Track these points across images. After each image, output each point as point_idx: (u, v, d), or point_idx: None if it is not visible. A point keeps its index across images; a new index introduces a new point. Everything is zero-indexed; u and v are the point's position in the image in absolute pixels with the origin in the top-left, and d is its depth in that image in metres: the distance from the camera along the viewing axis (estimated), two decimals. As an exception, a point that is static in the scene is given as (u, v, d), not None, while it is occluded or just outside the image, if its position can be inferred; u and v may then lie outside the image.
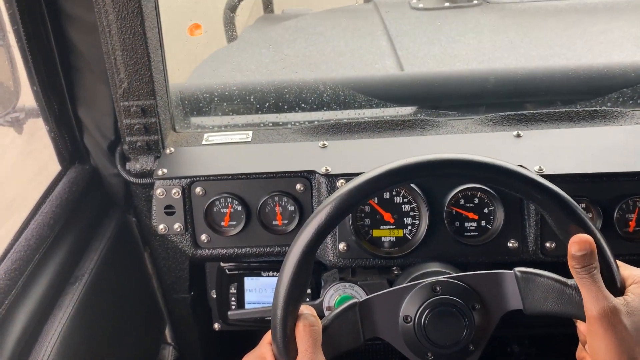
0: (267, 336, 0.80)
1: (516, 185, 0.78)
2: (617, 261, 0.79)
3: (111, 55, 1.14)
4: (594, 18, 1.83)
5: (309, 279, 0.79)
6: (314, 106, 1.46)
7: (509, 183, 0.78)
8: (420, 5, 2.02)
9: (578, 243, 0.74)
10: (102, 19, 1.11)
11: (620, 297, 0.75)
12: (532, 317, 0.82)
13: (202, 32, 1.35)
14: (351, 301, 0.83)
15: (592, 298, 0.74)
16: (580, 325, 0.84)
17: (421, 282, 0.86)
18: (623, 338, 0.72)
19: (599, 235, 0.77)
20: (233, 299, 1.30)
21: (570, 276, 0.78)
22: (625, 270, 0.79)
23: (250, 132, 1.32)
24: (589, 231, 0.76)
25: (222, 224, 1.19)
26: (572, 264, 0.75)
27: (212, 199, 1.17)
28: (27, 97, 1.22)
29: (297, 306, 0.78)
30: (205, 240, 1.20)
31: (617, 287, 0.76)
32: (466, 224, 1.15)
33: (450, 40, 1.78)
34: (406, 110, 1.46)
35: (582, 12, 1.88)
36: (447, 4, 2.06)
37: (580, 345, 0.85)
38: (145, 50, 1.14)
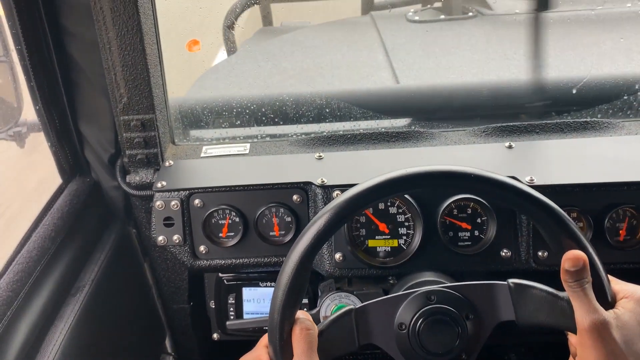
0: (264, 339, 0.82)
1: (508, 198, 0.80)
2: (609, 276, 0.80)
3: (111, 71, 1.17)
4: (586, 30, 1.85)
5: (307, 285, 0.80)
6: (311, 118, 1.48)
7: (501, 195, 0.80)
8: (416, 18, 2.04)
9: (571, 260, 0.76)
10: (103, 36, 1.13)
11: (611, 311, 0.76)
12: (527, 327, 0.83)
13: (200, 48, 1.38)
14: (347, 307, 0.85)
15: (584, 311, 0.75)
16: (571, 338, 0.85)
17: (416, 291, 0.87)
18: (612, 351, 0.73)
19: (590, 250, 0.78)
20: (231, 309, 1.32)
21: (562, 286, 0.80)
22: (617, 284, 0.80)
23: (248, 145, 1.34)
24: (580, 245, 0.78)
25: (220, 235, 1.21)
26: (564, 277, 0.77)
27: (210, 211, 1.19)
28: (29, 112, 1.24)
29: (294, 310, 0.80)
30: (204, 251, 1.22)
31: (608, 301, 0.78)
32: (460, 234, 1.16)
33: (445, 53, 1.80)
34: (401, 122, 1.48)
35: (574, 24, 1.90)
36: (442, 17, 2.09)
37: (570, 358, 0.85)
38: (145, 66, 1.17)
